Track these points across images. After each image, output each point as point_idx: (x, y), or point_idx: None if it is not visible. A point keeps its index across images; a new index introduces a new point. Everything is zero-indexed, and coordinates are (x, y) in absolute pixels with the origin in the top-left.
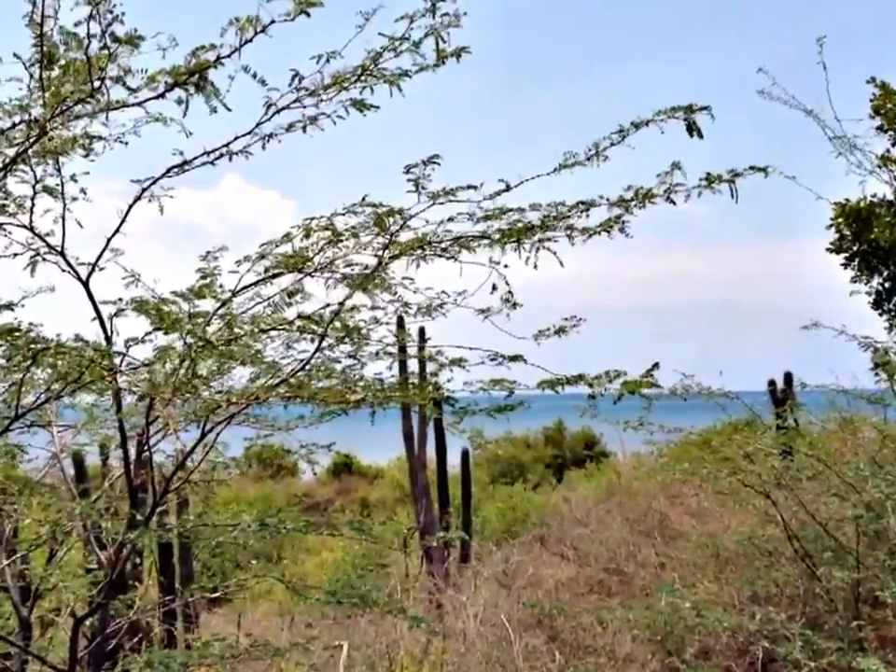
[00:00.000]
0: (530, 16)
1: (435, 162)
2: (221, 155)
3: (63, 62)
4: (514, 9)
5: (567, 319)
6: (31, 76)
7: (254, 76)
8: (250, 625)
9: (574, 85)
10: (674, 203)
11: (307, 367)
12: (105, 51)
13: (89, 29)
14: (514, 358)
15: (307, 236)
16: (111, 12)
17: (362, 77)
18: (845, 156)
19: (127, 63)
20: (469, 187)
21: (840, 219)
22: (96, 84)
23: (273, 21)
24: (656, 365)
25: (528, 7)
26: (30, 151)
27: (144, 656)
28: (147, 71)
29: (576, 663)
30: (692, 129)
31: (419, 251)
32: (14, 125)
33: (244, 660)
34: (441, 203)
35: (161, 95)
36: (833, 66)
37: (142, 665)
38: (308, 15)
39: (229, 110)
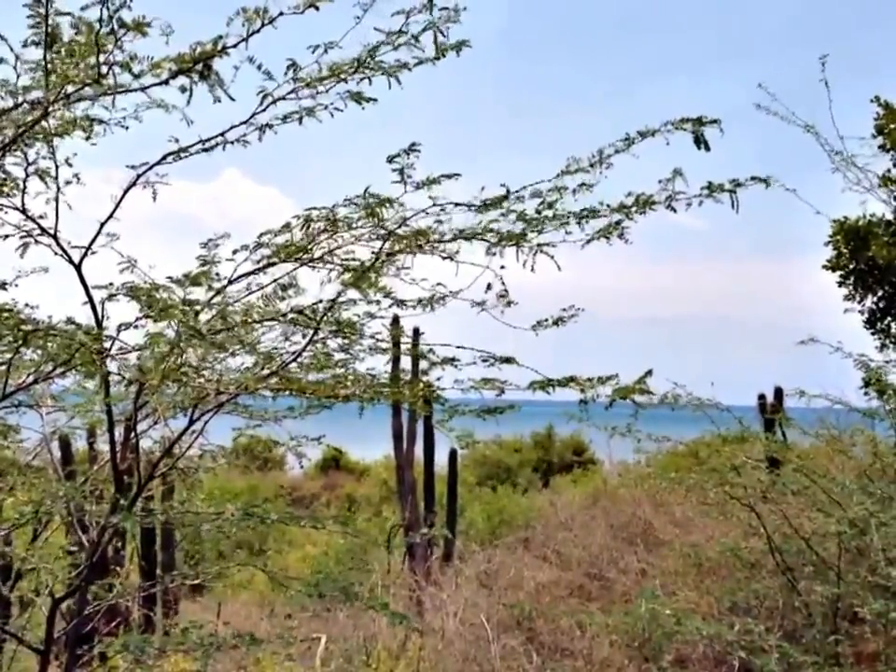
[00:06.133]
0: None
1: (415, 150)
2: (217, 144)
3: (68, 44)
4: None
5: (565, 310)
6: (17, 57)
7: (259, 67)
8: (230, 615)
9: (575, 102)
10: (674, 211)
11: (299, 359)
12: (112, 37)
13: (101, 14)
14: (507, 360)
15: (307, 226)
16: None
17: (359, 70)
18: (843, 172)
19: (133, 50)
20: (455, 175)
21: (838, 236)
22: (103, 70)
23: (281, 14)
24: (649, 372)
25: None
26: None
27: (120, 639)
28: (152, 58)
29: (553, 665)
30: (699, 141)
31: (416, 246)
32: (16, 105)
33: (222, 648)
34: (441, 206)
35: (166, 82)
36: (836, 91)
37: (118, 647)
38: (317, 9)
39: (232, 100)
